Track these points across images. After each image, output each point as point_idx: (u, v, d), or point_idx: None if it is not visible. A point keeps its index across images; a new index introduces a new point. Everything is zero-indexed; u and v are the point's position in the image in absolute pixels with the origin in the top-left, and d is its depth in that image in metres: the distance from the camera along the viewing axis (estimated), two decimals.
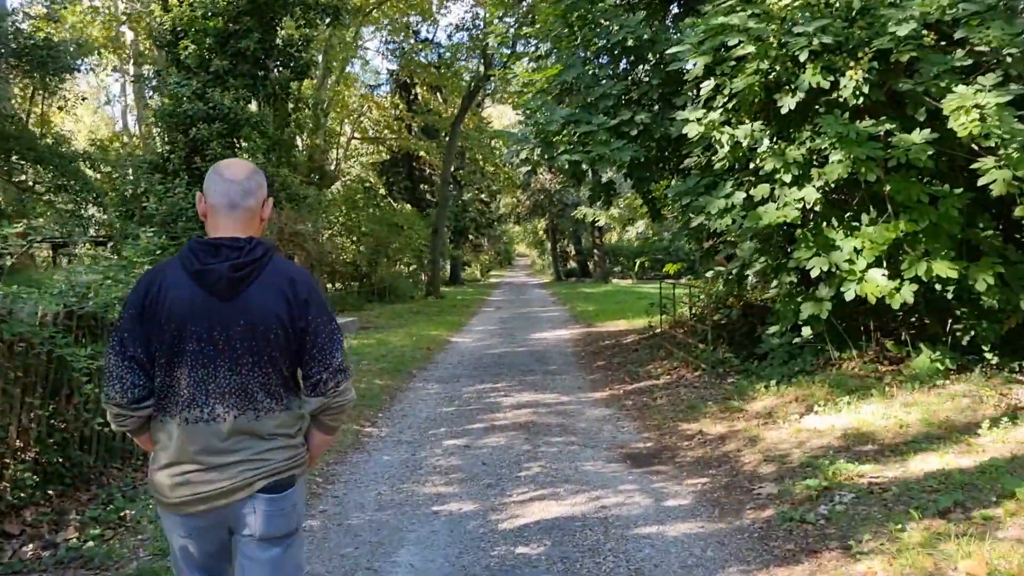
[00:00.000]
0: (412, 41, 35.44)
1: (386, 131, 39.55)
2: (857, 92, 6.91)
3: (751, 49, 7.35)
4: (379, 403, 9.14)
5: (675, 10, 12.39)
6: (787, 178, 7.50)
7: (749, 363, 9.77)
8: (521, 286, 43.74)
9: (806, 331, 8.77)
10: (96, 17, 23.91)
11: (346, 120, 38.88)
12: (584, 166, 11.33)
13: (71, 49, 15.70)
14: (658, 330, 14.98)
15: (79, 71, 15.42)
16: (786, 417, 7.12)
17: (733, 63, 7.75)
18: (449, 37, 43.81)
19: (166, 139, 11.24)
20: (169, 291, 2.25)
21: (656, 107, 11.01)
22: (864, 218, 7.55)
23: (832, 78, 7.06)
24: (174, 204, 10.13)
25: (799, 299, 8.40)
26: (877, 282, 7.27)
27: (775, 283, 9.48)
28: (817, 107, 7.56)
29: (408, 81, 38.82)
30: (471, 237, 50.10)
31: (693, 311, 13.23)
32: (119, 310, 5.79)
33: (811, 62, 7.10)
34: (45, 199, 13.33)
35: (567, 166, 10.71)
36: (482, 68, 33.39)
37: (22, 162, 14.60)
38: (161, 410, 2.33)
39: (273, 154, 12.92)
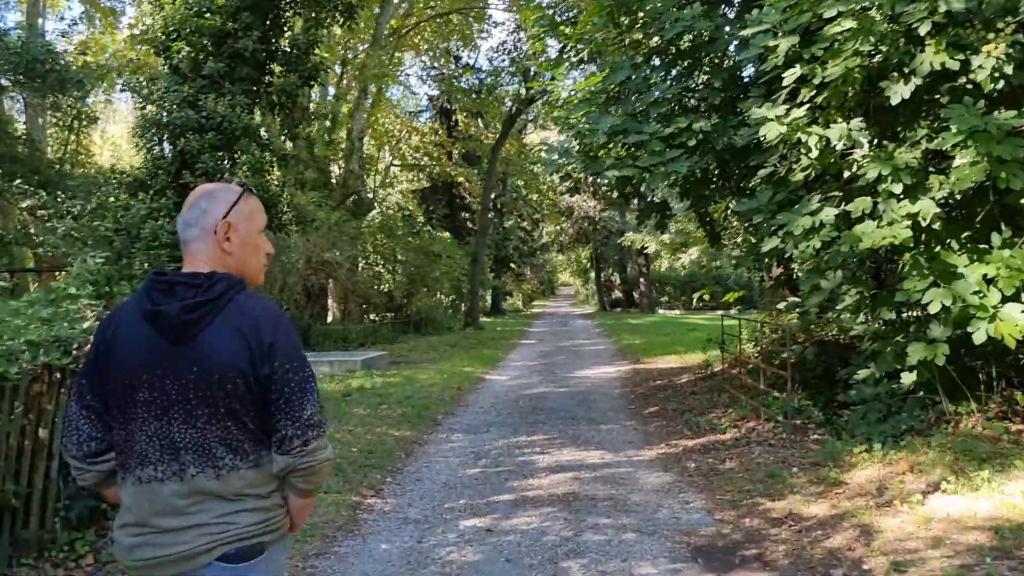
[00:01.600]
0: (452, 66, 34.59)
1: (426, 158, 38.61)
2: (995, 74, 5.33)
3: (850, 25, 5.82)
4: (390, 462, 7.67)
5: (736, 2, 10.87)
6: (896, 188, 5.91)
7: (834, 415, 8.15)
8: (564, 316, 42.12)
9: (908, 378, 7.15)
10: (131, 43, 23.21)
11: (385, 146, 38.04)
12: (633, 182, 9.89)
13: (84, 71, 14.78)
14: (715, 368, 13.36)
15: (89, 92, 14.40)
16: (904, 496, 5.49)
17: (825, 46, 6.22)
18: (490, 61, 42.85)
19: (153, 153, 9.96)
20: (122, 333, 2.08)
21: (717, 114, 9.53)
22: (995, 239, 5.94)
23: (962, 56, 5.49)
24: (133, 225, 8.78)
25: (902, 338, 6.79)
26: (1015, 320, 5.64)
27: (862, 318, 7.91)
28: (936, 96, 5.99)
29: (448, 107, 38.05)
30: (513, 266, 48.76)
31: (758, 348, 11.60)
32: (30, 356, 4.46)
33: (933, 37, 5.55)
34: (49, 225, 12.15)
35: (614, 182, 9.24)
36: (523, 91, 32.42)
37: (25, 187, 13.47)
38: (120, 466, 2.11)
39: (277, 170, 11.62)
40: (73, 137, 19.74)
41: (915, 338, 6.64)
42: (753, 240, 11.07)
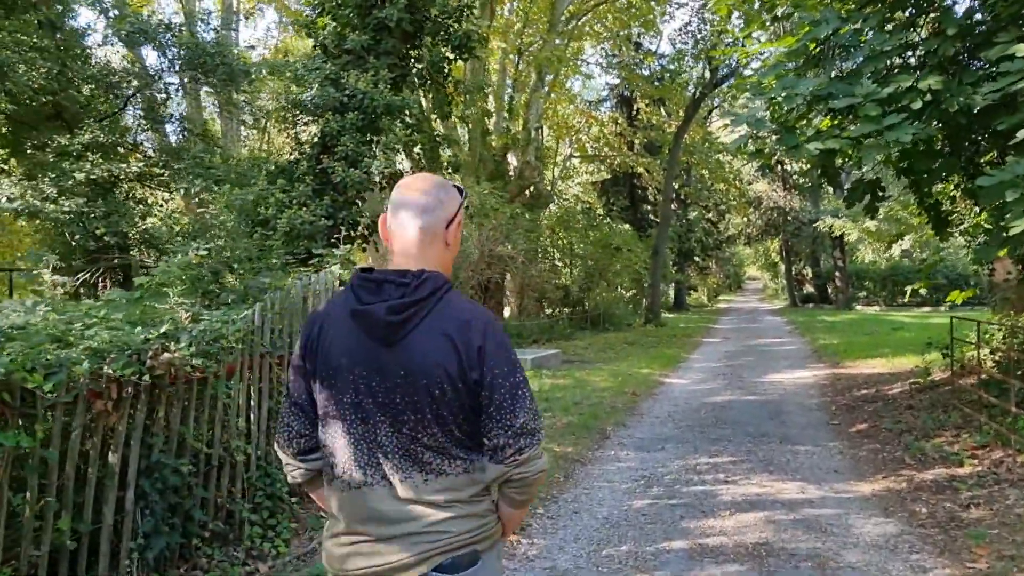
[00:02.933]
0: (633, 53, 33.27)
1: (606, 148, 37.46)
2: None
3: None
4: (545, 487, 6.56)
5: None
6: None
7: None
8: (751, 312, 39.67)
9: None
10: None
11: (564, 138, 37.18)
12: (842, 159, 8.31)
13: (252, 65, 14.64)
14: (935, 376, 11.38)
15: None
16: None
17: None
18: (672, 45, 40.94)
19: (293, 136, 9.29)
20: (330, 333, 2.01)
21: (947, 72, 7.79)
22: None
23: None
24: (293, 216, 8.09)
25: None
26: None
27: None
28: None
29: (629, 95, 36.76)
30: (697, 259, 46.60)
31: (996, 355, 9.62)
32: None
33: None
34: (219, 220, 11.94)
35: (816, 157, 7.69)
36: (707, 74, 30.61)
37: (204, 182, 13.37)
38: (328, 468, 2.04)
39: (425, 150, 10.73)
40: (255, 133, 19.93)
41: None
42: (991, 226, 9.17)
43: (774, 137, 8.33)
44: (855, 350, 17.05)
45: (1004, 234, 7.19)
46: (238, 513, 4.84)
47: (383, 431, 1.96)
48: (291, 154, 9.14)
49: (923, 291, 15.86)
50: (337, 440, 2.00)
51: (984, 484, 6.18)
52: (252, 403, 5.16)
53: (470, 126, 25.65)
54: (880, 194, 9.07)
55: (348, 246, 6.92)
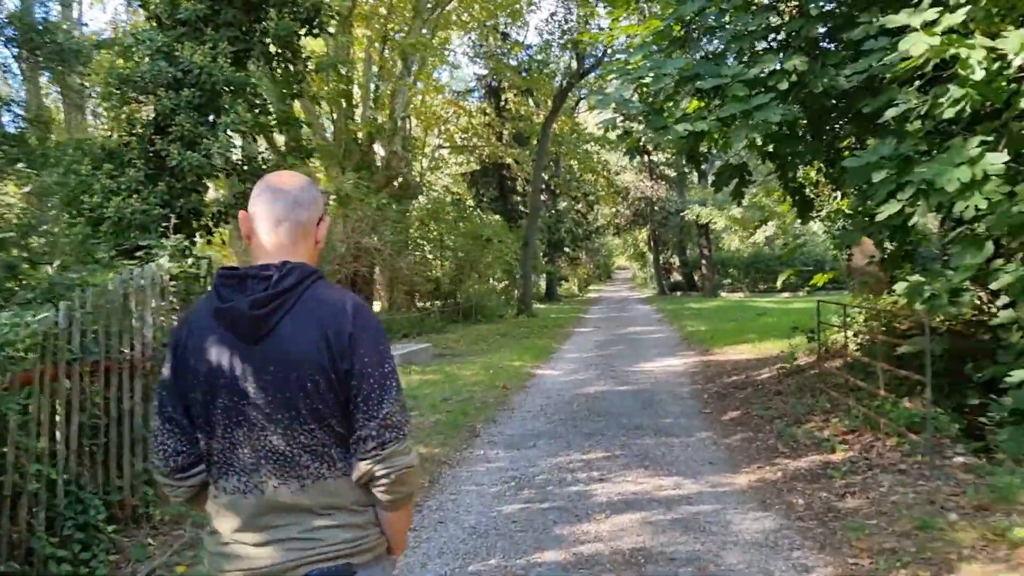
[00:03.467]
0: (500, 42, 32.99)
1: (474, 139, 37.09)
2: None
3: None
4: None
5: None
6: None
7: (978, 431, 6.35)
8: (621, 301, 40.13)
9: None
10: None
11: (432, 128, 36.55)
12: (707, 142, 8.14)
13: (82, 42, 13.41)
14: (801, 361, 11.48)
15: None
16: None
17: None
18: (540, 34, 40.89)
19: (122, 116, 8.32)
20: (196, 337, 1.91)
21: (813, 54, 7.69)
22: None
23: None
24: (122, 204, 7.21)
25: None
26: None
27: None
28: None
29: (497, 86, 36.47)
30: (567, 250, 46.84)
31: (859, 339, 9.71)
32: None
33: None
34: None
35: (684, 137, 7.46)
36: (574, 63, 30.63)
37: (28, 171, 12.12)
38: (210, 476, 1.95)
39: (285, 133, 9.94)
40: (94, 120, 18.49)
41: None
42: (852, 211, 9.22)
43: (641, 119, 8.07)
44: (723, 337, 17.24)
45: (866, 219, 7.15)
46: (40, 550, 4.11)
47: (257, 434, 1.86)
48: (120, 136, 8.21)
49: (793, 278, 16.17)
50: (215, 446, 1.90)
51: (857, 470, 6.05)
52: (58, 419, 4.42)
53: (334, 115, 24.78)
54: (747, 178, 8.97)
55: (179, 236, 6.16)
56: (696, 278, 43.15)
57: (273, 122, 9.67)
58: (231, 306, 1.84)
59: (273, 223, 1.93)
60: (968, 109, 4.98)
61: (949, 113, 5.02)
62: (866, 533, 4.69)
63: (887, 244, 7.84)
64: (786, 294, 33.69)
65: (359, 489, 1.92)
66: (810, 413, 8.17)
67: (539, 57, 32.64)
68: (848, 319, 9.47)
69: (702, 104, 8.02)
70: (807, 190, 9.53)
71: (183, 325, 1.96)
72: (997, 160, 4.76)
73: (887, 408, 7.02)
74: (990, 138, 5.29)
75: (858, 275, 12.72)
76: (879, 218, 6.07)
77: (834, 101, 7.61)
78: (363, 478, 1.89)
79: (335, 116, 24.17)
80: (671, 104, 8.09)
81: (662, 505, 5.60)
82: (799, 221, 9.87)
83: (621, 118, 8.42)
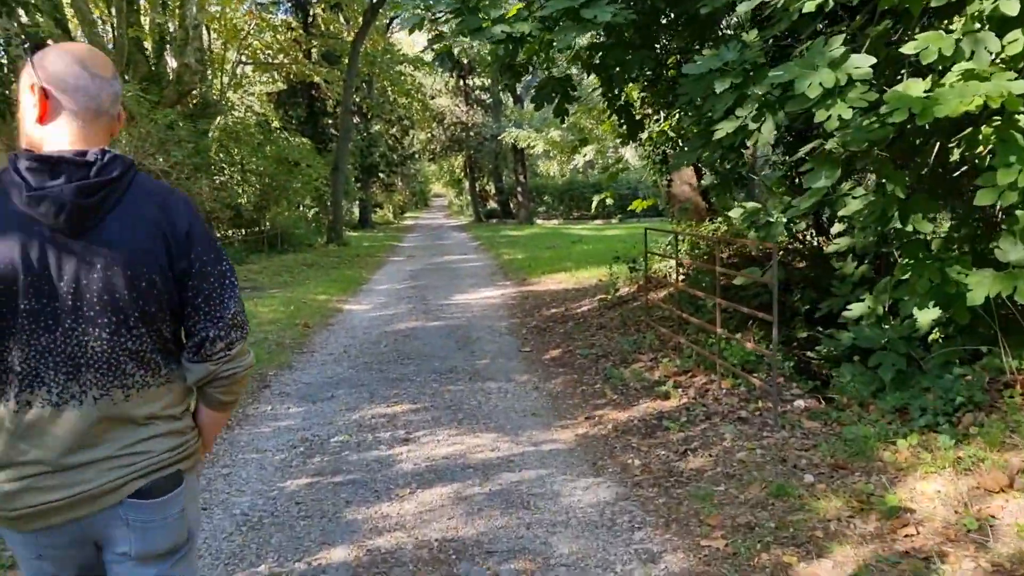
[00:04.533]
0: None
1: (280, 56, 34.48)
2: None
3: None
4: None
5: None
6: (1011, 7, 3.42)
7: (818, 371, 5.89)
8: (437, 229, 39.17)
9: (924, 318, 4.93)
10: None
11: (232, 42, 33.61)
12: (527, 53, 7.20)
13: None
14: (622, 291, 10.97)
15: None
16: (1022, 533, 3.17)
17: None
18: None
19: None
20: None
21: None
22: None
23: None
24: None
25: (956, 264, 4.44)
26: None
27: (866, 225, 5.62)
28: None
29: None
30: (381, 175, 45.12)
31: (682, 268, 9.20)
32: None
33: None
34: None
35: (503, 40, 6.46)
36: None
37: None
38: (4, 394, 1.68)
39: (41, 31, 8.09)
40: None
41: (978, 261, 4.30)
42: (684, 130, 8.60)
43: (454, 19, 6.97)
44: (540, 265, 16.65)
45: (702, 141, 6.44)
46: None
47: (75, 340, 1.65)
48: None
49: (609, 201, 15.72)
50: (12, 355, 1.65)
51: (695, 419, 5.41)
52: None
53: (115, 19, 21.97)
54: (570, 93, 8.10)
55: None
56: (512, 205, 42.76)
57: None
58: (49, 193, 1.61)
59: (82, 107, 1.70)
60: (831, 2, 4.24)
61: (810, 7, 4.27)
62: (715, 503, 4.00)
63: (719, 167, 7.22)
64: (599, 221, 33.87)
65: (176, 393, 1.80)
66: (637, 351, 7.56)
67: None
68: (676, 248, 8.94)
69: (523, 5, 7.03)
70: (634, 108, 8.79)
71: None
72: (864, 63, 4.07)
73: (722, 345, 6.46)
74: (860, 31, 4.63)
75: (678, 202, 12.32)
76: (717, 135, 5.36)
77: (668, 2, 6.81)
78: (204, 379, 1.81)
79: (116, 20, 21.40)
80: (487, 3, 7.04)
81: (478, 473, 4.72)
82: (631, 142, 9.17)
83: (431, 19, 7.26)
